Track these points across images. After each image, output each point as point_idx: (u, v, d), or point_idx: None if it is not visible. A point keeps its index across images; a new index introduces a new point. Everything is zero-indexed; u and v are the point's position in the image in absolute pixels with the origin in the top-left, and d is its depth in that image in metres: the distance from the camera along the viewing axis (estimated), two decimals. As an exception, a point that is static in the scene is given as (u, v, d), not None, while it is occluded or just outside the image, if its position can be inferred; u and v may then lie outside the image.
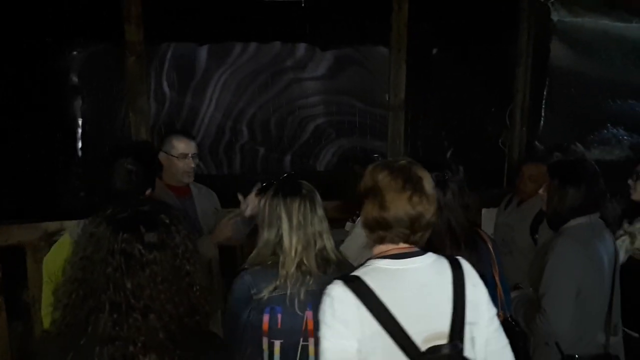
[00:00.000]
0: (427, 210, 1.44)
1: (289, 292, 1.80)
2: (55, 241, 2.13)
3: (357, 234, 2.74)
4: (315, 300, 1.81)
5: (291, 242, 1.82)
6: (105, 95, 3.25)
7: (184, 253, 1.24)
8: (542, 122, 4.25)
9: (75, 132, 3.19)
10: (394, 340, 1.35)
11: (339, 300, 1.38)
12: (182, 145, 2.60)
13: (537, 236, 3.00)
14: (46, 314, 2.01)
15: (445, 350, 1.34)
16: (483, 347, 1.47)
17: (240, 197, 2.59)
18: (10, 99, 2.97)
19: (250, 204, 2.55)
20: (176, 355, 1.19)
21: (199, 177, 2.75)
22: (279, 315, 1.81)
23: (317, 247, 1.85)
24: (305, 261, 1.82)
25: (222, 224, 2.51)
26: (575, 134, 4.25)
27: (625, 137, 4.49)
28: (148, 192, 2.03)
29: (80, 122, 3.20)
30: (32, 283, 2.86)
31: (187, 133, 2.75)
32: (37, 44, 3.02)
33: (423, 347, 1.35)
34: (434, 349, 1.34)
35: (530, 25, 4.13)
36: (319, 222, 1.87)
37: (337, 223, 2.98)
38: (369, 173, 1.50)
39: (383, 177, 1.45)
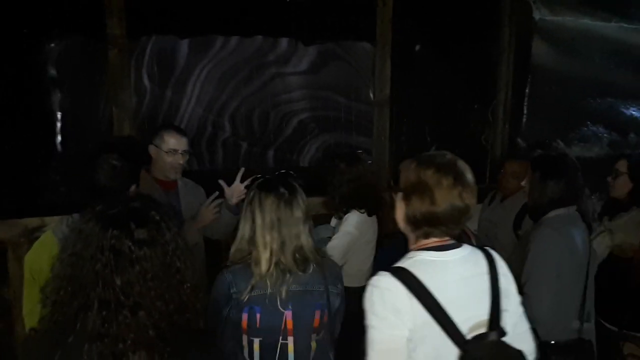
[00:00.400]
0: (473, 203, 1.48)
1: (269, 291, 1.80)
2: (37, 238, 2.09)
3: (344, 232, 2.74)
4: (296, 300, 1.82)
5: (264, 239, 1.80)
6: (86, 89, 3.18)
7: (175, 250, 1.22)
8: (524, 119, 4.28)
9: (55, 126, 3.12)
10: (443, 329, 1.38)
11: (389, 291, 1.39)
12: (172, 141, 2.57)
13: (519, 232, 3.03)
14: (27, 313, 1.97)
15: (493, 337, 1.39)
16: (511, 331, 1.51)
17: (222, 184, 2.58)
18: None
19: (235, 191, 2.55)
20: (166, 352, 1.17)
21: (182, 173, 2.72)
22: (258, 315, 1.81)
23: (294, 246, 1.83)
24: (282, 260, 1.81)
25: (204, 209, 2.54)
26: (557, 131, 4.30)
27: (604, 135, 4.56)
28: (133, 188, 1.99)
29: (59, 115, 3.13)
30: (13, 280, 2.81)
31: (179, 129, 2.71)
32: (16, 35, 2.95)
33: (468, 336, 1.39)
34: (481, 337, 1.39)
35: (512, 24, 4.18)
36: (295, 224, 1.82)
37: (322, 219, 2.99)
38: (412, 170, 1.49)
39: (431, 174, 1.45)
